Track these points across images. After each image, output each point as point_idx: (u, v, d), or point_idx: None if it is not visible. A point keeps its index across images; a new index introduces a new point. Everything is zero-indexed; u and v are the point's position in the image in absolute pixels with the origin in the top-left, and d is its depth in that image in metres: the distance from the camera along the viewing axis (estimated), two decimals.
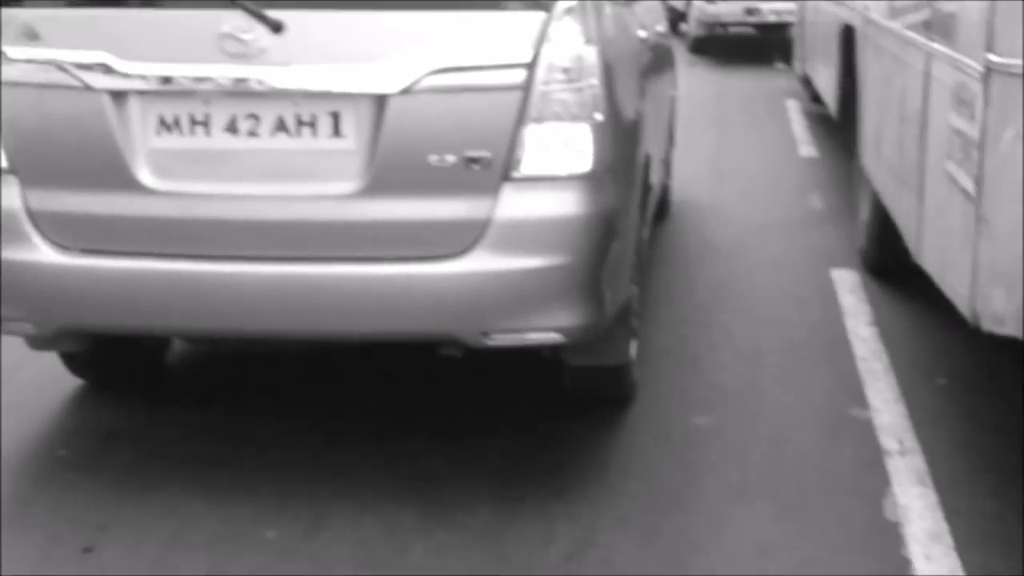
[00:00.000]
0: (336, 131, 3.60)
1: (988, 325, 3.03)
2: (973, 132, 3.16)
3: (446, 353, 3.89)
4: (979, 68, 3.09)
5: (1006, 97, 2.92)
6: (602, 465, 4.10)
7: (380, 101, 3.56)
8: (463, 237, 3.59)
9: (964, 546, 3.53)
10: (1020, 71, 2.88)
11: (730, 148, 9.99)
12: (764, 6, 16.55)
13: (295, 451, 4.18)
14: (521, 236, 3.62)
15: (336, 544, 3.57)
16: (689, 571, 3.42)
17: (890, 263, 5.84)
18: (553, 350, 4.17)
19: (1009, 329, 2.97)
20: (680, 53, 13.88)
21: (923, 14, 3.99)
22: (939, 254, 3.66)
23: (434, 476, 3.99)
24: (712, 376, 4.91)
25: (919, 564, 3.44)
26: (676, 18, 18.94)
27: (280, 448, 4.20)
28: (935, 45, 3.77)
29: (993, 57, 2.99)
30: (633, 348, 4.52)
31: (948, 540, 3.56)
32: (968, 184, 3.19)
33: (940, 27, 3.69)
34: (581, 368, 4.29)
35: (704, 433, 4.36)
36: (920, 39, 4.06)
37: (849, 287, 6.03)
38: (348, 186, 3.61)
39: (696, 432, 4.36)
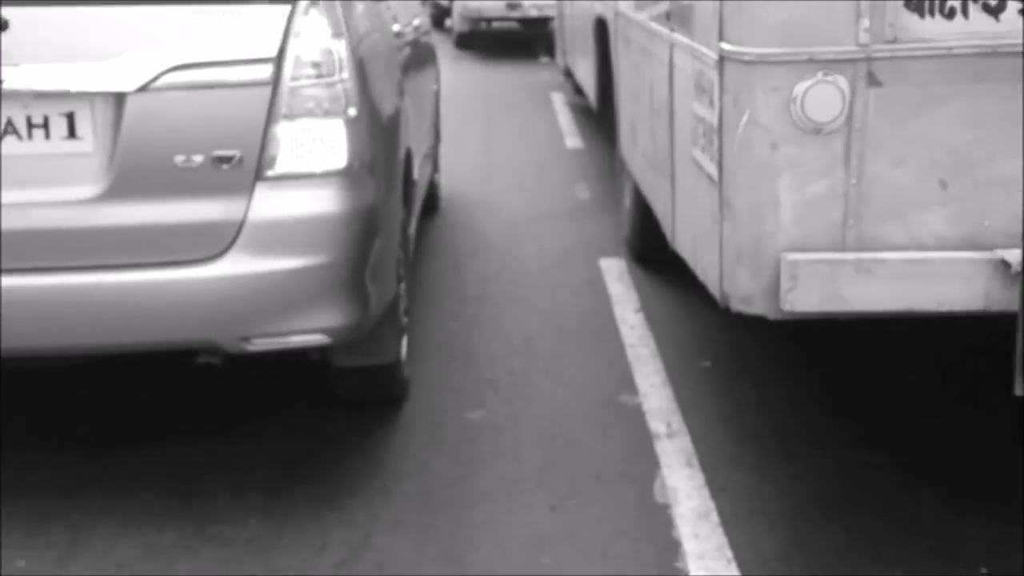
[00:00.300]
0: (71, 133, 3.42)
1: (737, 305, 3.11)
2: (712, 119, 3.24)
3: (204, 361, 3.75)
4: (714, 56, 3.17)
5: (739, 83, 3.01)
6: (376, 466, 4.04)
7: (117, 100, 3.40)
8: (217, 240, 3.47)
9: (730, 522, 3.62)
10: (750, 58, 2.96)
11: (498, 142, 10.06)
12: (525, 1, 16.77)
13: (48, 471, 3.96)
14: (278, 236, 3.52)
15: (92, 569, 3.39)
16: (465, 568, 3.40)
17: (653, 250, 5.97)
18: (320, 352, 4.08)
19: (756, 308, 3.06)
20: (445, 48, 13.94)
21: (665, 5, 4.09)
22: (691, 239, 3.75)
23: (199, 490, 3.84)
24: (484, 370, 4.91)
25: (688, 544, 3.51)
26: (440, 14, 19.03)
27: (30, 469, 3.96)
28: (676, 35, 3.86)
29: (725, 45, 3.07)
30: (403, 346, 4.48)
31: (715, 518, 3.65)
32: (712, 169, 3.28)
33: (680, 17, 3.78)
34: (350, 369, 4.23)
35: (478, 428, 4.35)
36: (663, 30, 4.15)
37: (617, 275, 6.14)
38: (88, 190, 3.43)
39: (470, 427, 4.35)
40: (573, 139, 10.00)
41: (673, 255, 4.41)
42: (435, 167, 7.34)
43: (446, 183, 8.00)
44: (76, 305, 3.47)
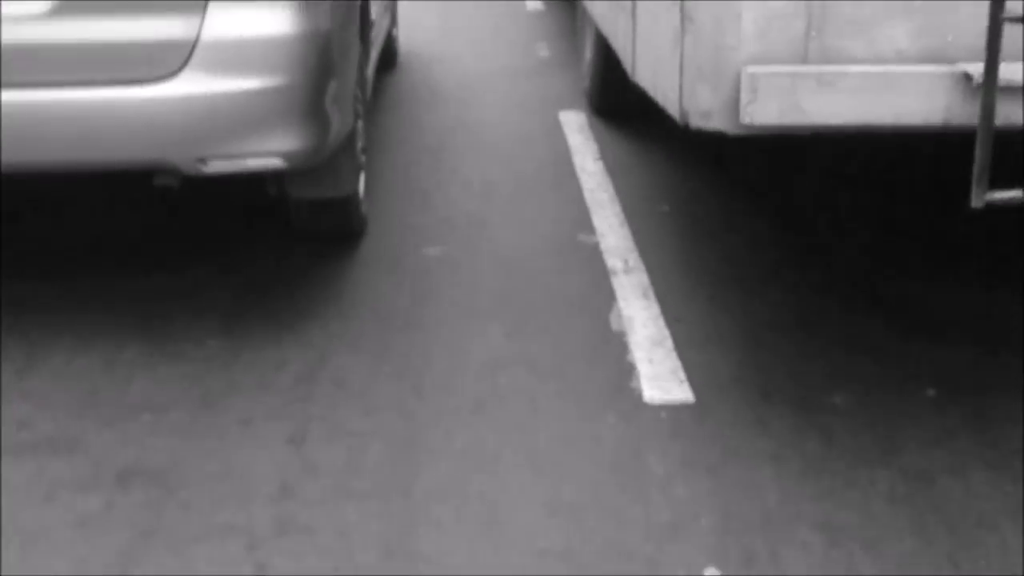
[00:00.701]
0: None
1: (696, 121, 3.10)
2: None
3: (161, 182, 3.71)
4: None
5: None
6: (334, 294, 4.04)
7: None
8: (171, 58, 3.43)
9: (685, 349, 3.67)
10: None
11: (456, 4, 9.90)
12: None
13: (2, 291, 3.93)
14: (233, 56, 3.48)
15: (52, 381, 3.40)
16: (420, 387, 3.43)
17: (613, 103, 5.95)
18: (278, 184, 4.06)
19: (716, 123, 3.04)
20: None
21: None
22: (651, 65, 3.72)
23: (158, 312, 3.84)
24: (443, 211, 4.90)
25: (643, 367, 3.56)
26: None
27: None
28: None
29: None
30: (360, 182, 4.45)
31: (669, 344, 3.70)
32: None
33: None
34: (308, 201, 4.21)
35: (436, 262, 4.35)
36: None
37: (576, 127, 6.12)
38: (40, 5, 3.38)
39: (427, 261, 4.36)
40: (533, 2, 9.86)
41: (632, 106, 4.39)
42: (393, 21, 7.24)
43: (404, 43, 7.89)
44: (31, 122, 3.42)
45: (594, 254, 4.45)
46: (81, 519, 2.76)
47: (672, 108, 3.36)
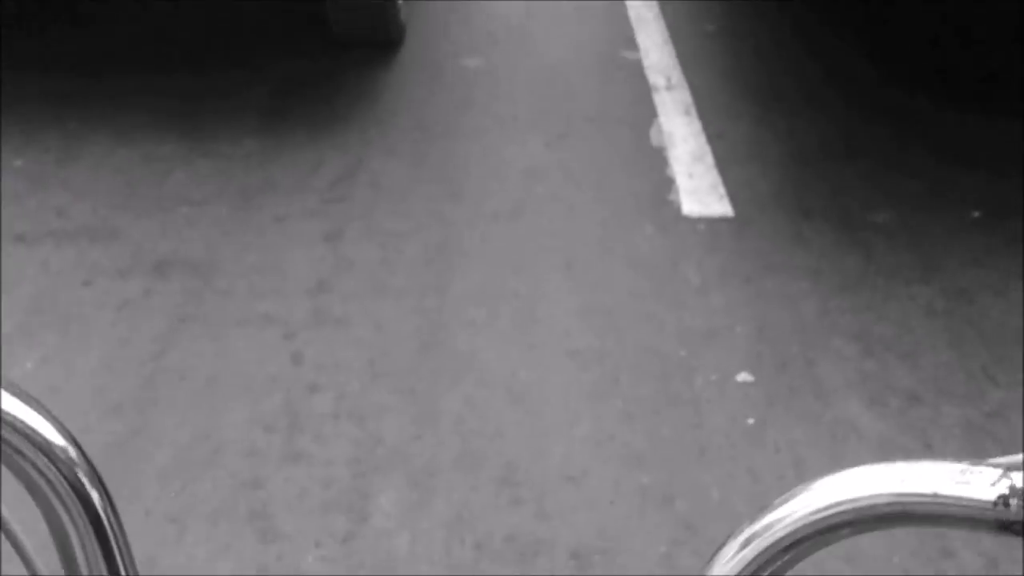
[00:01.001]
0: None
1: None
2: None
3: None
4: None
5: None
6: (371, 101, 3.99)
7: None
8: None
9: (724, 164, 3.62)
10: None
11: None
12: None
13: (44, 83, 3.91)
14: None
15: (90, 172, 3.40)
16: (457, 192, 3.41)
17: None
18: None
19: None
20: None
21: None
22: None
23: (197, 110, 3.81)
24: (483, 23, 4.80)
25: (682, 181, 3.52)
26: None
27: (23, 78, 3.90)
28: None
29: None
30: None
31: (710, 160, 3.65)
32: None
33: None
34: (346, 4, 4.12)
35: (475, 73, 4.28)
36: None
37: None
38: None
39: (467, 72, 4.29)
40: None
41: None
42: None
43: None
44: None
45: (636, 70, 4.36)
46: (120, 303, 2.78)
47: None
